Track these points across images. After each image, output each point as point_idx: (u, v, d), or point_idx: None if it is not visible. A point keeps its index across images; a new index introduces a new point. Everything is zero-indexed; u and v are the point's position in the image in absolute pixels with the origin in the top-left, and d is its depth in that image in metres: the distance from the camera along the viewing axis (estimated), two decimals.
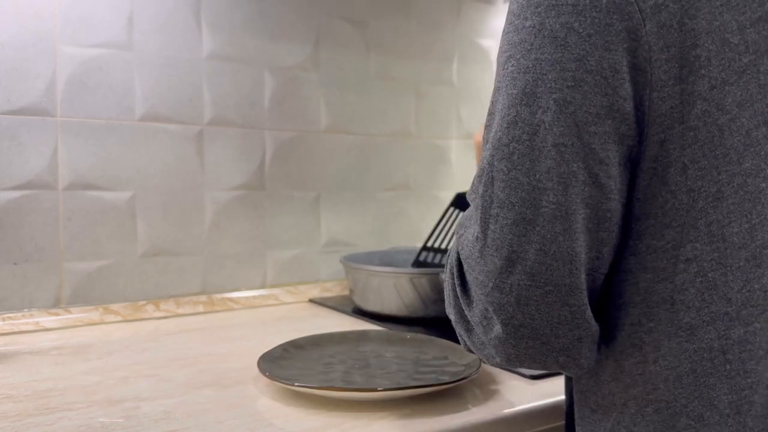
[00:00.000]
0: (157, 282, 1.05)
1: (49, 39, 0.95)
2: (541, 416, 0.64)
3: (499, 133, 0.44)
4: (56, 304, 0.96)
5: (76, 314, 0.96)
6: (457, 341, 0.75)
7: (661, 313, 0.44)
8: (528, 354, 0.46)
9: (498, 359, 0.48)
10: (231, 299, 1.10)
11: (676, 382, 0.44)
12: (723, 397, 0.43)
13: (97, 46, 0.98)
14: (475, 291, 0.47)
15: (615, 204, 0.44)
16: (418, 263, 1.06)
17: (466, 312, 0.49)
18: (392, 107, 1.29)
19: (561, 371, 0.49)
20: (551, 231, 0.42)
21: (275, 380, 0.63)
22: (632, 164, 0.44)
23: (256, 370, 0.74)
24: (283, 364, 0.71)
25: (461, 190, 1.26)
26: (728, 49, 0.42)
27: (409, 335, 0.82)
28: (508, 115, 0.44)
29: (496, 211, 0.44)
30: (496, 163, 0.44)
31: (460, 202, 1.04)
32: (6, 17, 0.92)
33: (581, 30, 0.41)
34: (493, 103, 0.47)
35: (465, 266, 0.48)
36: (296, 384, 0.62)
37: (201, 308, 1.06)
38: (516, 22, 0.45)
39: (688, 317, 0.43)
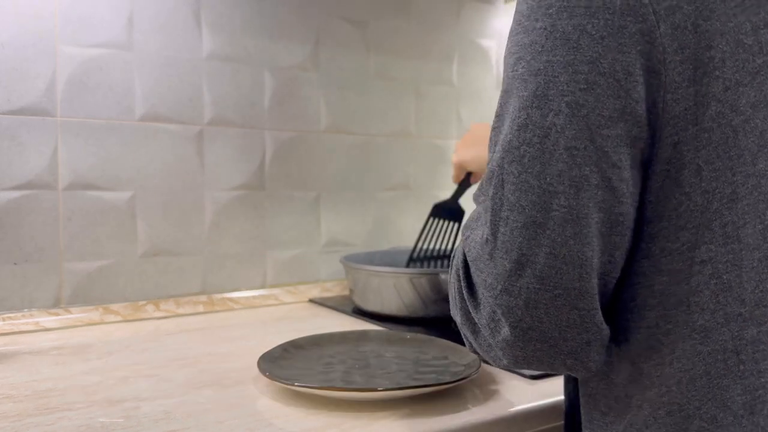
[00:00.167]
0: (157, 282, 1.05)
1: (49, 39, 0.95)
2: (541, 416, 0.64)
3: (509, 136, 0.44)
4: (56, 304, 0.97)
5: (76, 314, 0.96)
6: (457, 341, 0.75)
7: (678, 315, 0.44)
8: (536, 356, 0.45)
9: (505, 361, 0.48)
10: (231, 299, 1.10)
11: (690, 384, 0.44)
12: (737, 397, 0.43)
13: (97, 46, 0.98)
14: (482, 293, 0.46)
15: (627, 207, 0.43)
16: None
17: (473, 314, 0.48)
18: (392, 107, 1.29)
19: (568, 373, 0.49)
20: (562, 234, 0.42)
21: (275, 380, 0.63)
22: (643, 167, 0.44)
23: (256, 370, 0.74)
24: (283, 364, 0.71)
25: None
26: (742, 51, 0.42)
27: (409, 335, 0.82)
28: (519, 117, 0.43)
29: (506, 213, 0.44)
30: (506, 165, 0.44)
31: (438, 212, 1.07)
32: (6, 17, 0.92)
33: (594, 32, 0.41)
34: (501, 105, 0.46)
35: (472, 268, 0.47)
36: (296, 384, 0.62)
37: (201, 308, 1.06)
38: (525, 24, 0.44)
39: (702, 319, 0.43)
